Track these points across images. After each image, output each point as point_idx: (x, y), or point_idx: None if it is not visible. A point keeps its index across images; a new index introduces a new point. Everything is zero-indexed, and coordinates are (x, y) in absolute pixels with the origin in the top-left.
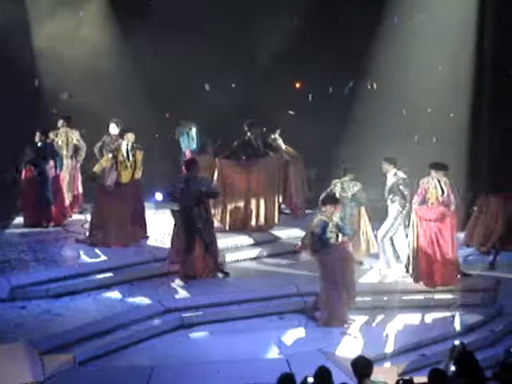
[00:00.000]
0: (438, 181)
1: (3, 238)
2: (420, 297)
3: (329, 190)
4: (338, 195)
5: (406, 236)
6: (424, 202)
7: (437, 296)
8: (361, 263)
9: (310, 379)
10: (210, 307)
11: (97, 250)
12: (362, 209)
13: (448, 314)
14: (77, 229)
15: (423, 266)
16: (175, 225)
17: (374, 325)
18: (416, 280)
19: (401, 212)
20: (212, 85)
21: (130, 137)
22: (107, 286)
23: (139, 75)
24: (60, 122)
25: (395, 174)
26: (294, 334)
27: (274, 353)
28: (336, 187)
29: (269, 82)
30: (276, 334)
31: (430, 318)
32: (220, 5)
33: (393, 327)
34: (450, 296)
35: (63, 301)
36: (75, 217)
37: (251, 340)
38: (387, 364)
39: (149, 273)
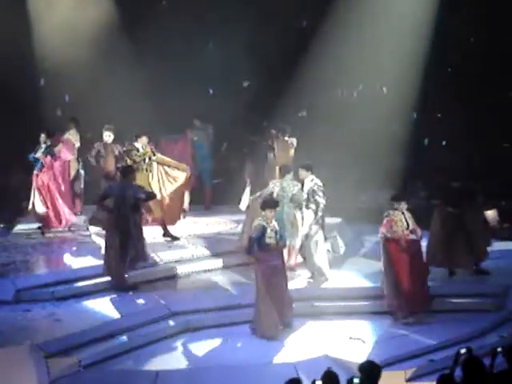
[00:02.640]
0: (403, 213)
1: (9, 240)
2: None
3: (268, 189)
4: (276, 195)
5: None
6: (390, 233)
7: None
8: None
9: (319, 383)
10: (216, 311)
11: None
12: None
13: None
14: (82, 231)
15: (405, 295)
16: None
17: (380, 329)
18: (402, 311)
19: (315, 219)
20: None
21: (144, 140)
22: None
23: (143, 77)
24: (72, 125)
25: (312, 180)
26: (301, 339)
27: (281, 358)
28: (275, 187)
29: None
30: (283, 339)
31: (438, 323)
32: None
33: (399, 332)
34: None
35: (68, 303)
36: (79, 218)
37: (258, 345)
38: (395, 369)
39: (155, 276)
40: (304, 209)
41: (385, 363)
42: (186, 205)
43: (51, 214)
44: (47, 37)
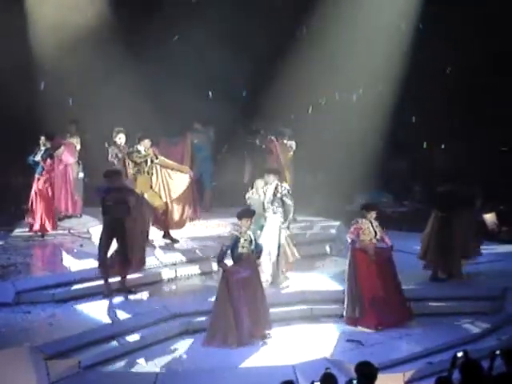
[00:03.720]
0: (371, 222)
1: (9, 242)
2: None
3: (250, 194)
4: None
5: None
6: (358, 242)
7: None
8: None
9: None
10: None
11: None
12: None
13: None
14: (81, 233)
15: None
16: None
17: (378, 332)
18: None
19: (282, 223)
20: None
21: (147, 143)
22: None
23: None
24: (73, 127)
25: (277, 185)
26: (300, 342)
27: (280, 360)
28: (257, 192)
29: None
30: (282, 341)
31: (436, 326)
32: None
33: (399, 335)
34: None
35: (68, 306)
36: (79, 220)
37: (257, 347)
38: (393, 372)
39: (154, 278)
40: (270, 213)
41: (383, 366)
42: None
43: (38, 219)
44: (45, 39)
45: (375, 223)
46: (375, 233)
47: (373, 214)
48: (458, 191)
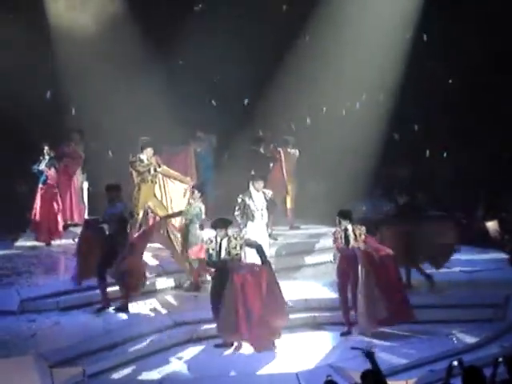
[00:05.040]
0: (346, 230)
1: (14, 251)
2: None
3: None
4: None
5: None
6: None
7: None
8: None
9: None
10: None
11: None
12: None
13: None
14: None
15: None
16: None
17: (381, 340)
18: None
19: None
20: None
21: (149, 151)
22: (117, 299)
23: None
24: (77, 136)
25: (263, 192)
26: (303, 349)
27: (283, 367)
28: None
29: None
30: (286, 349)
31: (439, 333)
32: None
33: (402, 342)
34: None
35: (73, 314)
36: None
37: (261, 354)
38: (396, 379)
39: (158, 286)
40: (260, 218)
41: (386, 373)
42: None
43: (43, 228)
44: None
45: (351, 232)
46: (347, 242)
47: (346, 223)
48: (418, 204)
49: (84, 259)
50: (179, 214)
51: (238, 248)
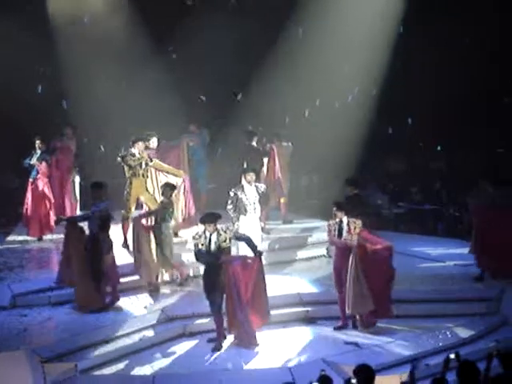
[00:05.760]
0: (340, 222)
1: (5, 245)
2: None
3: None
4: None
5: None
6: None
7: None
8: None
9: None
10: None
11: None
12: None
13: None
14: None
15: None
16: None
17: (374, 335)
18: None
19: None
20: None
21: (141, 146)
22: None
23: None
24: (69, 130)
25: (256, 186)
26: (296, 344)
27: (276, 362)
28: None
29: None
30: (279, 344)
31: (433, 327)
32: None
33: (396, 337)
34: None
35: (65, 309)
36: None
37: (254, 349)
38: (390, 373)
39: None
40: (253, 211)
41: (380, 367)
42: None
43: (35, 223)
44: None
45: (345, 223)
46: (340, 232)
47: (341, 215)
48: (362, 196)
49: (66, 261)
50: (153, 212)
51: (227, 241)
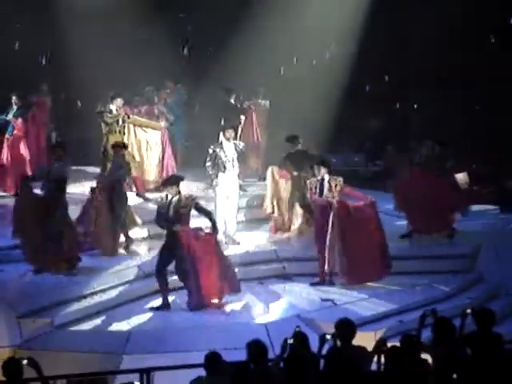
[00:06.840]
0: (322, 180)
1: None
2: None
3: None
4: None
5: None
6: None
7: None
8: None
9: (290, 341)
10: None
11: None
12: None
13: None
14: None
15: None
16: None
17: (350, 292)
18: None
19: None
20: None
21: (119, 102)
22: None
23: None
24: (45, 86)
25: (234, 143)
26: (272, 300)
27: (252, 319)
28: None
29: None
30: (255, 300)
31: (408, 284)
32: None
33: (371, 294)
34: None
35: None
36: None
37: (230, 305)
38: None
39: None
40: (233, 170)
41: (356, 324)
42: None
43: (12, 178)
44: None
45: (326, 182)
46: (321, 190)
47: (323, 171)
48: (306, 152)
49: (18, 218)
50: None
51: (187, 208)
